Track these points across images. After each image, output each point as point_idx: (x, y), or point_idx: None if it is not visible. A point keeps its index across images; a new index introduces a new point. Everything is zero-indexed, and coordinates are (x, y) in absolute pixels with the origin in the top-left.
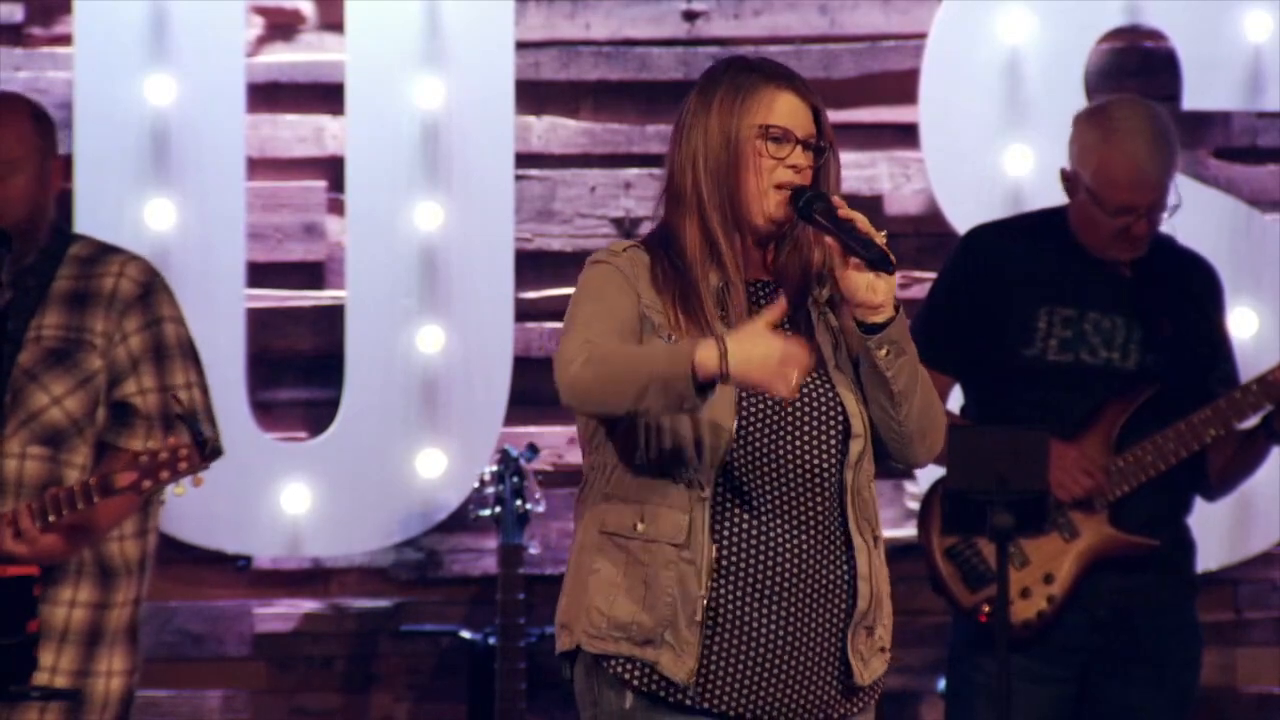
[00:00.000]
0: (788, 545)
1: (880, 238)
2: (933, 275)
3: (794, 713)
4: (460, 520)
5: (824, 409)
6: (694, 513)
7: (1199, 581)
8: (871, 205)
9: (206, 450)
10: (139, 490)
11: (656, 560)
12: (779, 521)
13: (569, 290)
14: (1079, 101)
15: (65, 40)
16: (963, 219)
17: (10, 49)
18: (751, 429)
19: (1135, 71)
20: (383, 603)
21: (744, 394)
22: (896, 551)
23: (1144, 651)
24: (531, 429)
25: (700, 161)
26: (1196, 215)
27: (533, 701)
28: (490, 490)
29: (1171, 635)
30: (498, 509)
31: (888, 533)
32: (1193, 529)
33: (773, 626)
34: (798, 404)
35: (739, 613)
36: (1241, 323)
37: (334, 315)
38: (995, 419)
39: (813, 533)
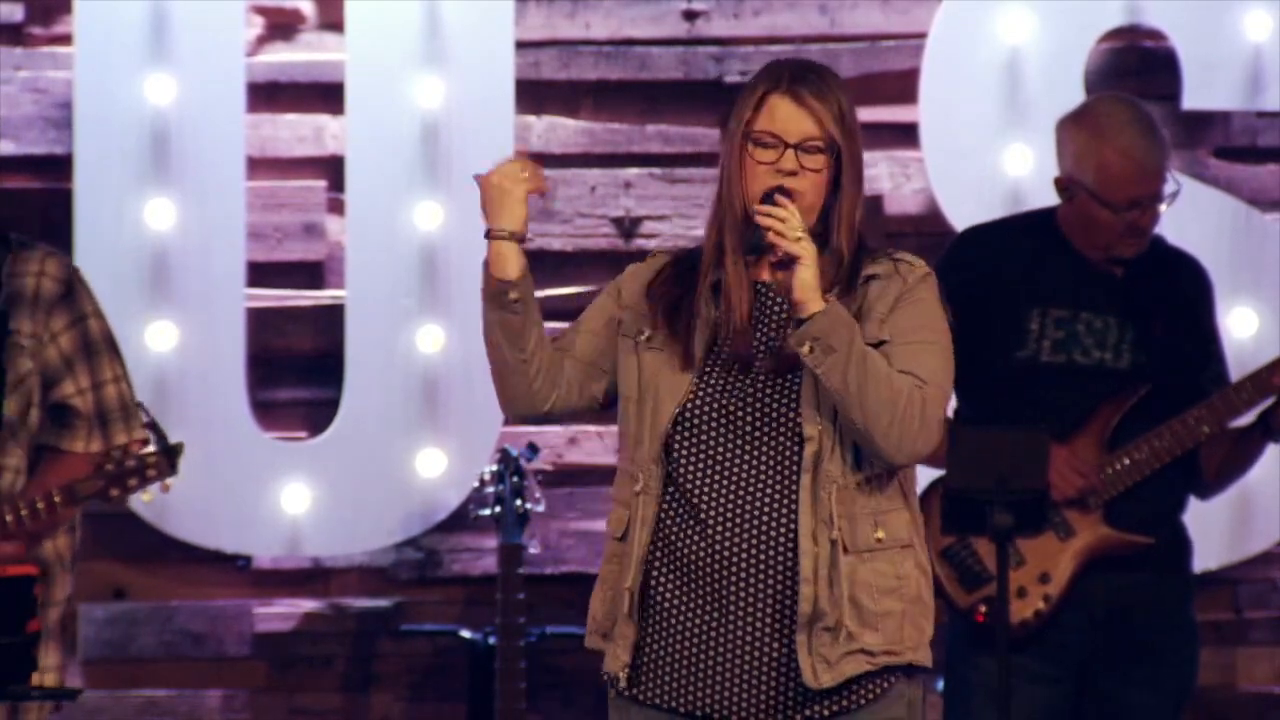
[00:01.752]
0: (727, 543)
1: (769, 221)
2: None
3: (732, 709)
4: (460, 520)
5: (778, 413)
6: (633, 507)
7: (1195, 580)
8: (871, 205)
9: (175, 457)
10: (106, 497)
11: (613, 557)
12: (722, 519)
13: (569, 290)
14: (1079, 101)
15: (65, 40)
16: (963, 219)
17: (10, 49)
18: (697, 427)
19: (1135, 71)
20: (382, 602)
21: (694, 399)
22: None
23: (1141, 650)
24: (531, 429)
25: (720, 160)
26: (1196, 215)
27: (533, 701)
28: (490, 490)
29: (1168, 634)
30: (498, 509)
31: None
32: (1191, 528)
33: (705, 623)
34: (751, 408)
35: (671, 607)
36: (1241, 323)
37: (334, 315)
38: (989, 420)
39: (756, 533)
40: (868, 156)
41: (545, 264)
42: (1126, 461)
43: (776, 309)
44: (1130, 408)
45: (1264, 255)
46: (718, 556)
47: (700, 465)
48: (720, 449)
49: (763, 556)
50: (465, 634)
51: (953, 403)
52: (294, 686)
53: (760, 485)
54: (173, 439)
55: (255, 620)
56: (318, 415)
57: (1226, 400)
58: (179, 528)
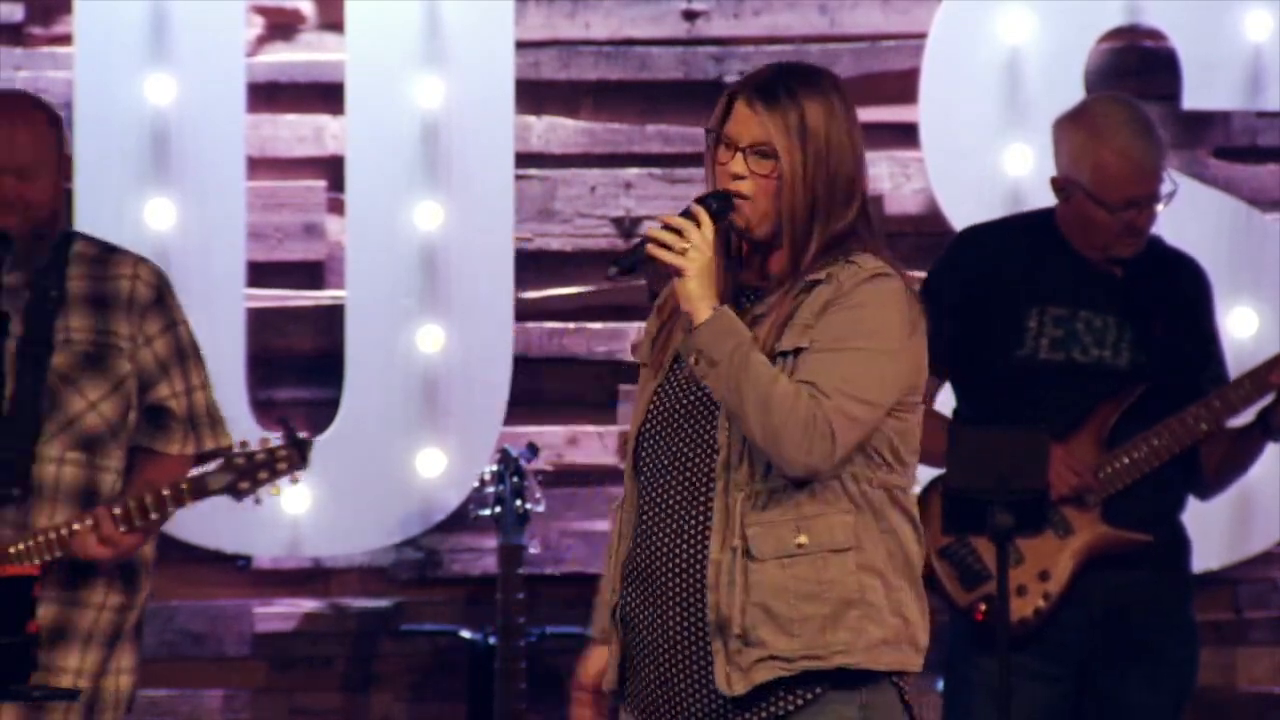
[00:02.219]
0: (657, 553)
1: (655, 233)
2: None
3: (667, 715)
4: (460, 520)
5: (704, 421)
6: (616, 523)
7: (1195, 579)
8: (872, 205)
9: (306, 450)
10: (235, 490)
11: (609, 576)
12: (655, 529)
13: (569, 290)
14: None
15: (65, 40)
16: (963, 219)
17: (10, 49)
18: (652, 437)
19: (1135, 71)
20: (383, 602)
21: (651, 407)
22: None
23: (1140, 649)
24: (531, 429)
25: None
26: (1196, 215)
27: (533, 702)
28: (490, 490)
29: (1167, 633)
30: (498, 509)
31: None
32: (1191, 528)
33: (645, 633)
34: (687, 416)
35: (629, 619)
36: (1241, 323)
37: (334, 315)
38: (987, 419)
39: (678, 541)
40: (868, 156)
41: (545, 264)
42: (1125, 460)
43: (755, 313)
44: (1129, 407)
45: (1264, 255)
46: (651, 566)
47: (647, 475)
48: (661, 458)
49: (683, 565)
50: (465, 634)
51: (952, 402)
52: (294, 686)
53: (683, 494)
54: None
55: (255, 620)
56: (318, 415)
57: (1224, 398)
58: (179, 528)
